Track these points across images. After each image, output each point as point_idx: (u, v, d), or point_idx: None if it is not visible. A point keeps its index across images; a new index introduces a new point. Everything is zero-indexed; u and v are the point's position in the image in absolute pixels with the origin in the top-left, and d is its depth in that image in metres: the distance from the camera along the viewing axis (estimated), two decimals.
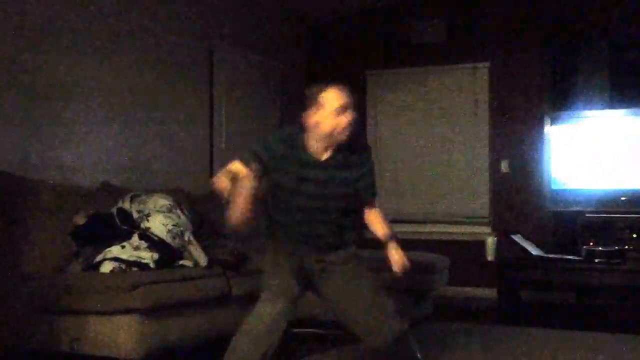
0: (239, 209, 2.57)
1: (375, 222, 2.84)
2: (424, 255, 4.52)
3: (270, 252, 2.78)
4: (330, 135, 2.64)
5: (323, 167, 2.68)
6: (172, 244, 3.62)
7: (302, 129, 2.69)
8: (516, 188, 5.95)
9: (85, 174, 4.27)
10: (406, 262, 2.76)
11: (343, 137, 2.66)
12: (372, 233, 2.85)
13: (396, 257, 2.75)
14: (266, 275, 2.77)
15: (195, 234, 3.82)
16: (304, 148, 2.68)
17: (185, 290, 3.49)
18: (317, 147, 2.67)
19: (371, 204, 2.83)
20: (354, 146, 2.73)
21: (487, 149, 6.13)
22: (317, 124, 2.63)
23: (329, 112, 2.61)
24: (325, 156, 2.69)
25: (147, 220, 3.67)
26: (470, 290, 5.84)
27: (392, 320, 2.74)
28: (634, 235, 5.27)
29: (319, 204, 2.67)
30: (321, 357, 3.65)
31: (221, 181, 2.58)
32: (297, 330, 4.22)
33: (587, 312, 5.12)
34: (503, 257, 5.66)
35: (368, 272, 2.80)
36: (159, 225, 3.64)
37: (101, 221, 3.69)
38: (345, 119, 2.64)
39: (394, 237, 2.81)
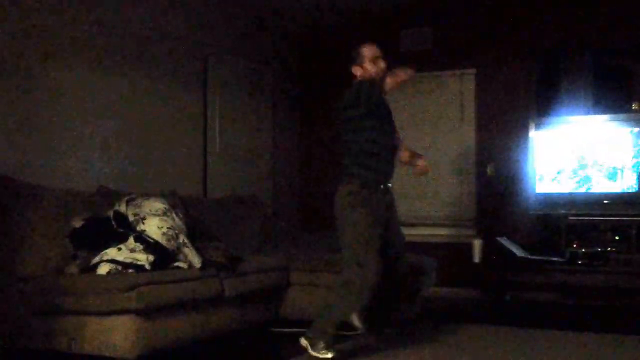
0: None
1: None
2: (412, 257, 4.58)
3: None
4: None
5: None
6: (167, 246, 3.63)
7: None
8: (501, 191, 6.00)
9: (82, 178, 4.31)
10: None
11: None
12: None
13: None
14: None
15: (189, 236, 3.83)
16: None
17: (180, 291, 3.53)
18: None
19: None
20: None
21: (473, 153, 6.20)
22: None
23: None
24: None
25: (143, 223, 3.66)
26: (457, 291, 5.89)
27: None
28: (616, 238, 5.29)
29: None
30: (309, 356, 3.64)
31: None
32: (284, 330, 4.31)
33: (570, 313, 5.16)
34: (489, 259, 5.74)
35: None
36: (154, 228, 3.64)
37: (98, 224, 3.69)
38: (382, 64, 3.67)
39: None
